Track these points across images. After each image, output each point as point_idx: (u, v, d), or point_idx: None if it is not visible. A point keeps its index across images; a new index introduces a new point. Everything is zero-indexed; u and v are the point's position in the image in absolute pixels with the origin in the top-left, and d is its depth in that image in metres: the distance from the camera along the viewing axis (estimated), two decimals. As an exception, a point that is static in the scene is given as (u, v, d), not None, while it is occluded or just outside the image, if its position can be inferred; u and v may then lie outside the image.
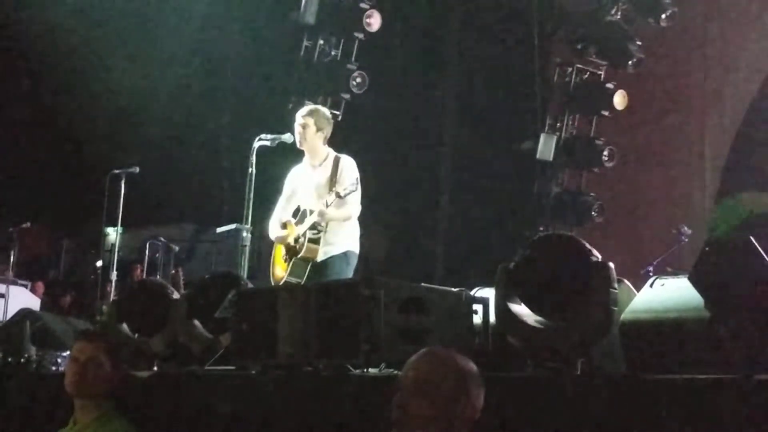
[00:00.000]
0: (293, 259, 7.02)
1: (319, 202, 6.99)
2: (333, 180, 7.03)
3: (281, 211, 7.35)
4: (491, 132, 12.37)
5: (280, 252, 7.24)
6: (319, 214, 6.88)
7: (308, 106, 7.48)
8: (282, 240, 7.22)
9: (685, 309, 4.02)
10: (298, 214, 7.22)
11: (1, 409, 5.63)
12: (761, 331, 3.61)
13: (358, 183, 6.84)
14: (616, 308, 4.03)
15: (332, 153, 7.25)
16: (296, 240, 7.05)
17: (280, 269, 7.17)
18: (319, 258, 6.99)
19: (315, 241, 6.97)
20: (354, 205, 7.02)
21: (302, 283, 6.85)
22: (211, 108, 13.35)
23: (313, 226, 6.95)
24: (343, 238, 7.04)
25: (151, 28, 12.54)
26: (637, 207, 11.87)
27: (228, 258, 9.23)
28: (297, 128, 7.23)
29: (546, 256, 4.25)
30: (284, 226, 7.28)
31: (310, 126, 7.19)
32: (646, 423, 3.51)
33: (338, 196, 6.79)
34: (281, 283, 7.01)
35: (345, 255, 7.01)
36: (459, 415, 3.09)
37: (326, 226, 6.98)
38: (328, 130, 7.29)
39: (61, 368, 5.67)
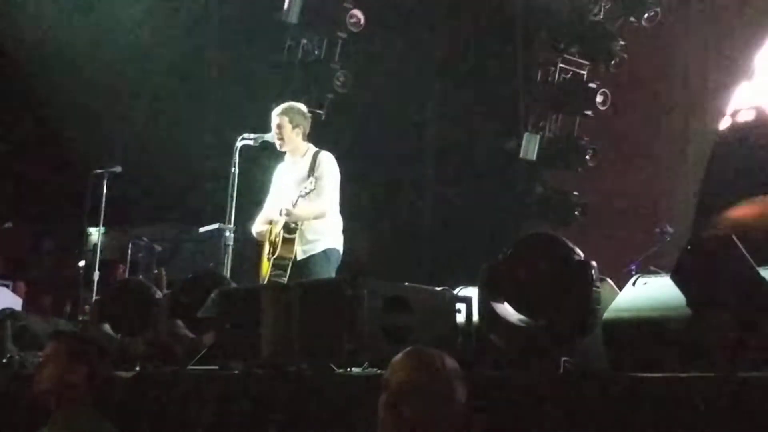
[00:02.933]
0: (273, 259, 7.00)
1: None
2: (310, 176, 7.00)
3: (269, 209, 7.33)
4: (474, 131, 12.37)
5: (265, 249, 7.23)
6: (286, 214, 6.87)
7: (281, 105, 7.41)
8: (261, 236, 7.20)
9: (667, 308, 4.04)
10: (279, 212, 7.20)
11: (-18, 410, 5.59)
12: (743, 330, 3.62)
13: (315, 182, 6.81)
14: (598, 307, 4.05)
15: (312, 149, 7.22)
16: (275, 239, 7.04)
17: (265, 268, 7.16)
18: (299, 257, 6.96)
19: (289, 240, 6.94)
20: (326, 201, 6.97)
21: (285, 282, 6.83)
22: (194, 107, 13.29)
23: (286, 225, 6.92)
24: (323, 236, 7.01)
25: (134, 27, 12.49)
26: (620, 206, 11.89)
27: (211, 258, 9.19)
28: (274, 129, 7.20)
29: (529, 255, 4.26)
30: (270, 224, 7.26)
31: (285, 125, 7.17)
32: (628, 421, 3.52)
33: (300, 196, 6.79)
34: (264, 282, 6.99)
35: (325, 253, 6.98)
36: (445, 415, 3.08)
37: (301, 224, 6.95)
38: (305, 125, 7.25)
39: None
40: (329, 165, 7.07)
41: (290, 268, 6.95)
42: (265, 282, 6.97)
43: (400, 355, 3.17)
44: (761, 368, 3.46)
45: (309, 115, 7.54)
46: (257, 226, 7.29)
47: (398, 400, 3.06)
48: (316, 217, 6.97)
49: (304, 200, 6.84)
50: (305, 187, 6.79)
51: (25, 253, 14.92)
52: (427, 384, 3.07)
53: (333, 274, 6.92)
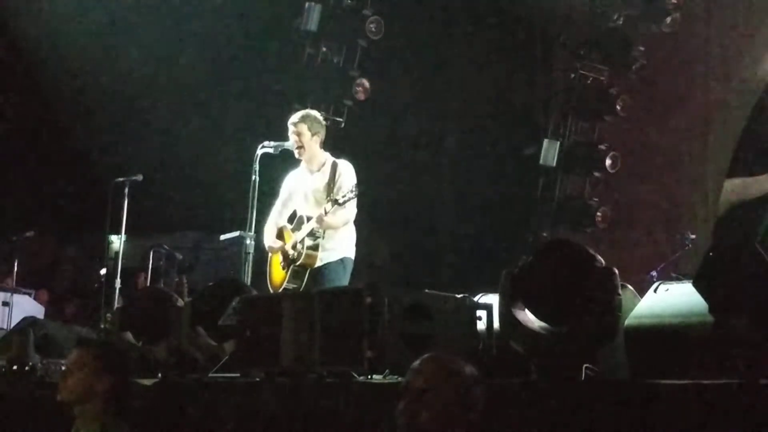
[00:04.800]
0: (291, 267, 6.98)
1: (316, 208, 6.94)
2: (331, 186, 6.99)
3: (277, 216, 7.32)
4: (494, 138, 12.36)
5: (277, 258, 7.19)
6: (318, 221, 6.84)
7: (298, 113, 7.37)
8: (275, 250, 7.17)
9: (689, 314, 4.03)
10: (295, 220, 7.17)
11: (5, 417, 5.63)
12: (765, 336, 3.61)
13: (356, 189, 6.78)
14: (620, 314, 4.04)
15: (330, 158, 7.21)
16: (293, 247, 7.01)
17: (278, 276, 7.13)
18: (316, 264, 6.95)
19: (314, 248, 6.92)
20: (351, 210, 6.97)
21: (301, 289, 6.82)
22: (214, 116, 13.35)
23: (311, 233, 6.91)
24: (340, 244, 7.00)
25: (154, 37, 12.55)
26: (641, 212, 11.85)
27: (232, 265, 9.21)
28: (292, 137, 7.17)
29: (550, 262, 4.26)
30: (280, 232, 7.24)
31: (304, 133, 7.14)
32: (651, 428, 3.51)
33: (336, 203, 6.74)
34: (281, 290, 6.98)
35: (342, 261, 6.97)
36: (463, 420, 3.08)
37: (323, 233, 6.94)
38: (322, 133, 7.24)
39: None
40: (349, 174, 7.06)
41: (307, 275, 6.95)
42: (281, 290, 6.96)
43: (418, 362, 3.17)
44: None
45: (325, 122, 7.53)
46: (269, 238, 7.27)
47: (416, 406, 3.07)
48: (343, 225, 6.98)
49: (337, 208, 6.80)
50: (344, 196, 6.73)
51: (48, 262, 15.02)
52: (445, 390, 3.07)
53: (347, 282, 6.91)
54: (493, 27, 12.32)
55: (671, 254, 9.86)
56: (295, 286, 6.92)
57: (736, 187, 11.63)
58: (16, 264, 10.79)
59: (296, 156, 7.24)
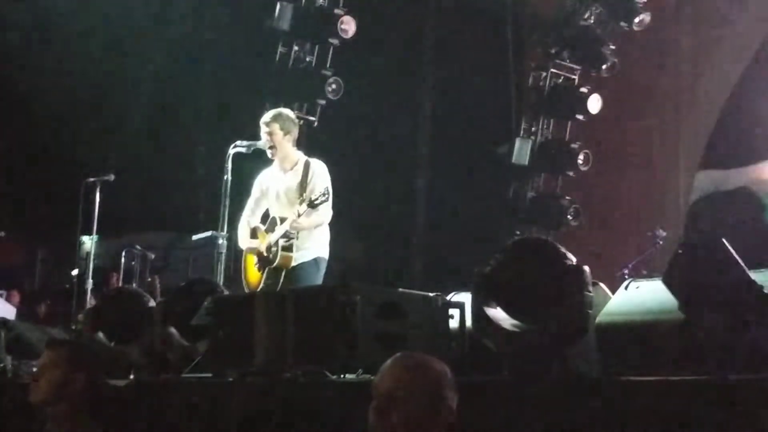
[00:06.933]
0: (267, 269, 6.95)
1: (289, 209, 6.91)
2: (303, 185, 6.95)
3: (250, 215, 7.27)
4: (467, 136, 12.39)
5: (251, 260, 7.15)
6: (290, 224, 6.82)
7: (271, 111, 7.31)
8: (253, 250, 7.14)
9: (659, 311, 4.06)
10: (268, 221, 7.13)
11: (-24, 420, 5.59)
12: (735, 332, 3.64)
13: (329, 191, 6.75)
14: (591, 311, 4.06)
15: (303, 157, 7.17)
16: (268, 249, 6.98)
17: (254, 277, 7.10)
18: (291, 264, 6.93)
19: (288, 249, 6.89)
20: (325, 212, 6.94)
21: (277, 290, 6.80)
22: (186, 115, 13.31)
23: (285, 235, 6.88)
24: (314, 244, 6.98)
25: (126, 36, 12.51)
26: (612, 210, 11.93)
27: (204, 265, 9.19)
28: (264, 136, 7.12)
29: (521, 260, 4.28)
30: (254, 232, 7.20)
31: (276, 131, 7.09)
32: (622, 425, 3.53)
33: (310, 206, 6.70)
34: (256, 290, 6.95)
35: (315, 261, 6.95)
36: (435, 420, 3.08)
37: (297, 234, 6.91)
38: (295, 132, 7.20)
39: (37, 378, 5.62)
40: (322, 175, 7.03)
41: (282, 276, 6.92)
42: (259, 290, 6.93)
43: (389, 361, 3.17)
44: (752, 371, 3.48)
45: (298, 121, 7.50)
46: (244, 238, 7.24)
47: (387, 405, 3.06)
48: (317, 227, 6.95)
49: (311, 209, 6.76)
50: (317, 199, 6.70)
51: (19, 262, 14.92)
52: (416, 389, 3.07)
53: (320, 282, 6.89)
54: (465, 27, 12.35)
55: (643, 251, 9.93)
56: (271, 286, 6.89)
57: (708, 180, 11.76)
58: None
59: (269, 155, 7.20)
